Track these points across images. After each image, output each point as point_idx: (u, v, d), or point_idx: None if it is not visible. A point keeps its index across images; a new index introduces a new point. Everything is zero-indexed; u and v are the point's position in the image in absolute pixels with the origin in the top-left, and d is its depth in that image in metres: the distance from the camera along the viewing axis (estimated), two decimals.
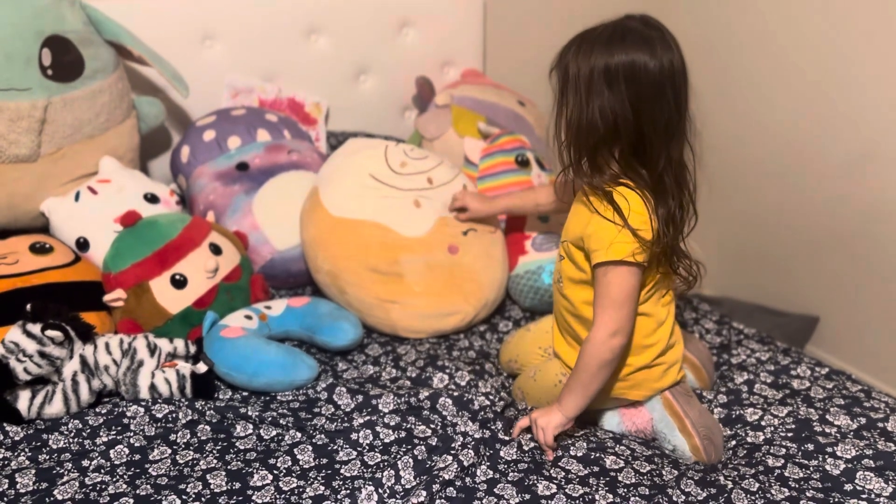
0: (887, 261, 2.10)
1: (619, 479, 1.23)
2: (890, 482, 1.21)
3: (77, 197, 1.69)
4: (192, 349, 1.49)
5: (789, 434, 1.35)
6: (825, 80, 2.14)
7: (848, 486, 1.22)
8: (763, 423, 1.39)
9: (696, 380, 1.49)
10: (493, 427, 1.32)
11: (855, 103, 2.08)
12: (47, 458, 1.25)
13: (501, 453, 1.28)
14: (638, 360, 1.34)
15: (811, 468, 1.27)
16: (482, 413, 1.35)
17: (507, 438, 1.30)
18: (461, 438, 1.28)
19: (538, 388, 1.43)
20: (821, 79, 2.15)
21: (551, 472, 1.24)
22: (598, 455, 1.28)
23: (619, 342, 1.26)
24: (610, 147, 1.25)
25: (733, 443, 1.38)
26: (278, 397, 1.43)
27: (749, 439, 1.37)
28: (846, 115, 2.11)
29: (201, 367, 1.43)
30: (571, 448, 1.30)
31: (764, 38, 2.30)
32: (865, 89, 2.05)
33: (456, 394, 1.39)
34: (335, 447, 1.28)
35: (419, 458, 1.24)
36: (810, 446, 1.31)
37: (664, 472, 1.26)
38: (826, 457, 1.28)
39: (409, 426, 1.32)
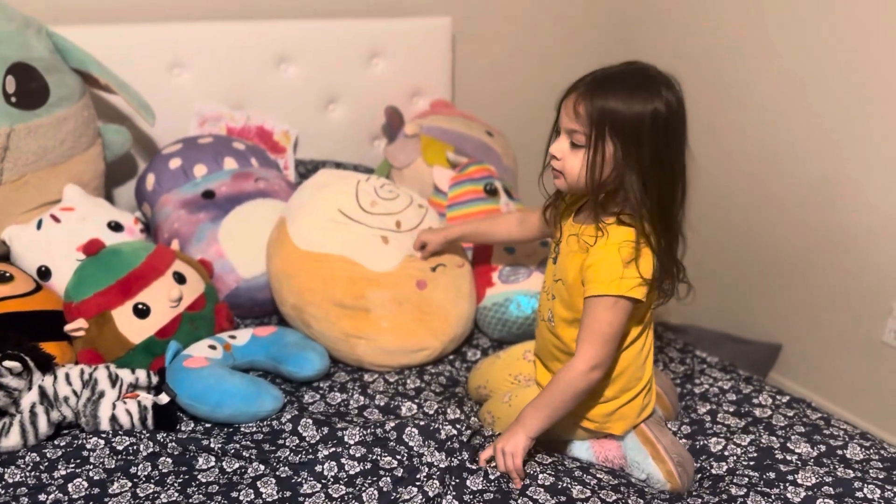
0: (847, 289, 2.14)
1: None
2: None
3: (39, 225, 1.67)
4: (155, 380, 1.47)
5: (751, 462, 1.36)
6: (789, 111, 2.19)
7: None
8: (726, 453, 1.40)
9: (659, 408, 1.51)
10: (459, 456, 1.32)
11: (815, 136, 2.14)
12: (2, 492, 1.21)
13: (468, 483, 1.27)
14: (629, 394, 1.36)
15: (773, 496, 1.28)
16: (449, 442, 1.35)
17: (473, 468, 1.29)
18: (426, 469, 1.28)
19: (512, 413, 1.43)
20: (785, 109, 2.20)
21: (518, 501, 1.24)
22: (565, 484, 1.28)
23: (598, 376, 1.27)
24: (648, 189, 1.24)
25: (698, 475, 1.39)
26: (242, 429, 1.41)
27: (713, 471, 1.38)
28: (807, 148, 2.16)
29: (163, 398, 1.41)
30: (539, 476, 1.30)
31: (731, 68, 2.35)
32: (828, 120, 2.10)
33: (423, 423, 1.38)
34: (299, 479, 1.26)
35: (384, 489, 1.23)
36: (772, 474, 1.32)
37: (630, 502, 1.26)
38: (787, 485, 1.29)
39: (374, 457, 1.31)
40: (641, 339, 1.35)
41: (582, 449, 1.41)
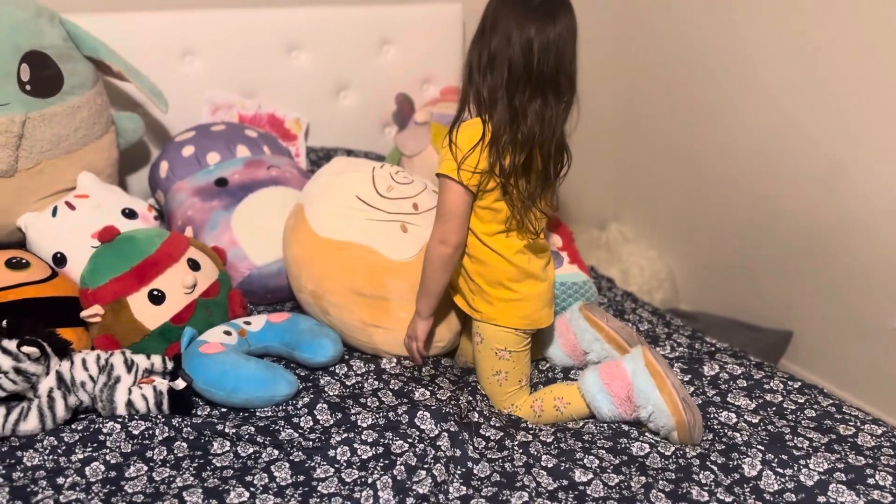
0: (858, 276, 2.13)
1: (588, 492, 1.25)
2: (861, 496, 1.23)
3: (54, 212, 1.69)
4: (170, 365, 1.49)
5: (764, 443, 1.37)
6: (798, 96, 2.18)
7: (821, 499, 1.24)
8: (738, 428, 1.41)
9: (616, 350, 1.58)
10: (469, 443, 1.33)
11: (824, 119, 2.12)
12: (21, 475, 1.23)
13: (475, 470, 1.29)
14: (502, 290, 1.45)
15: (787, 477, 1.28)
16: (460, 430, 1.36)
17: (476, 457, 1.31)
18: (433, 451, 1.30)
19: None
20: (794, 94, 2.19)
21: (524, 479, 1.26)
22: (567, 466, 1.30)
23: (447, 251, 1.42)
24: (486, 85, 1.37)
25: (710, 435, 1.41)
26: (257, 413, 1.43)
27: (725, 440, 1.39)
28: (816, 132, 2.15)
29: (179, 384, 1.42)
30: (542, 458, 1.32)
31: (737, 53, 2.34)
32: (835, 106, 2.09)
33: (434, 408, 1.39)
34: (312, 464, 1.28)
35: (398, 477, 1.25)
36: (784, 456, 1.32)
37: (632, 483, 1.27)
38: (800, 468, 1.30)
39: (386, 441, 1.32)
40: (502, 238, 1.43)
41: (592, 378, 1.45)
